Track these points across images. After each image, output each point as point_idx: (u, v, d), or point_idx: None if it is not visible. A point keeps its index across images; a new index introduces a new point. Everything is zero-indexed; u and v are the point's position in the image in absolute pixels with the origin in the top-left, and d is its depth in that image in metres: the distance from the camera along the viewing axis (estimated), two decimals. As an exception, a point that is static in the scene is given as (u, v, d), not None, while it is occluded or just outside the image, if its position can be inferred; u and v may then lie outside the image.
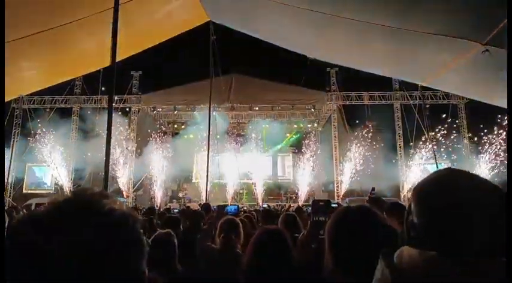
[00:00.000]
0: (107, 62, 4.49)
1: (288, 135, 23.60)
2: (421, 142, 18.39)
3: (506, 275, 0.69)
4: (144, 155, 19.59)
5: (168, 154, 19.99)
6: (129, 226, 0.65)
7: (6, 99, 10.93)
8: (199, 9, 9.33)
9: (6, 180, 17.25)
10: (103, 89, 17.83)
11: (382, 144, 18.82)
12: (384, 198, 4.18)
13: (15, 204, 12.40)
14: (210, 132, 11.69)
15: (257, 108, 21.35)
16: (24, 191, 19.69)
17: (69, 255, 0.56)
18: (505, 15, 3.93)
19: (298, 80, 19.87)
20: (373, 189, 3.85)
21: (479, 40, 4.90)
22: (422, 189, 0.85)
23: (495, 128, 16.94)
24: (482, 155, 17.96)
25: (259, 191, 20.40)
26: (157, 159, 19.68)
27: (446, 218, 0.76)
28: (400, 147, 19.52)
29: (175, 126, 23.35)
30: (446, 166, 1.01)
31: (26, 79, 9.54)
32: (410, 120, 18.34)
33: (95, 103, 19.71)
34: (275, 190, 22.48)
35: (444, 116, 18.34)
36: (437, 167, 13.63)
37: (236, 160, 20.28)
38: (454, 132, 18.39)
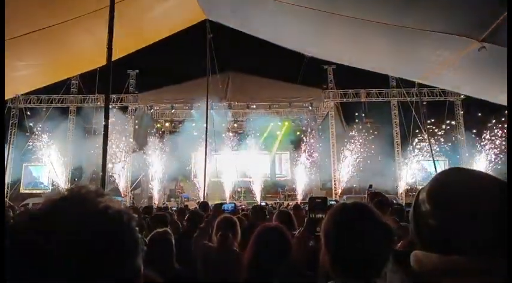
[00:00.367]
0: (103, 61, 4.48)
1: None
2: (417, 139, 18.47)
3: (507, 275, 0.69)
4: (142, 154, 19.56)
5: (166, 153, 19.97)
6: (124, 224, 0.64)
7: (3, 98, 10.86)
8: (196, 7, 9.30)
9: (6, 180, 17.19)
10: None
11: (380, 141, 18.88)
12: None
13: (12, 204, 12.36)
14: (208, 131, 11.68)
15: (254, 106, 21.32)
16: (21, 191, 19.61)
17: (69, 254, 0.56)
18: (501, 12, 3.95)
19: (295, 77, 19.94)
20: (370, 186, 3.91)
21: (476, 37, 4.90)
22: (440, 193, 0.82)
23: (491, 124, 17.04)
24: (478, 151, 18.06)
25: (257, 189, 20.41)
26: (155, 158, 19.66)
27: (471, 222, 0.74)
28: (397, 144, 19.55)
29: (173, 124, 23.32)
30: (453, 167, 1.00)
31: (22, 78, 9.47)
32: (408, 117, 18.44)
33: (92, 102, 19.64)
34: (273, 188, 22.47)
35: (441, 112, 18.43)
36: (434, 164, 13.68)
37: (234, 159, 20.28)
38: (451, 128, 18.49)
